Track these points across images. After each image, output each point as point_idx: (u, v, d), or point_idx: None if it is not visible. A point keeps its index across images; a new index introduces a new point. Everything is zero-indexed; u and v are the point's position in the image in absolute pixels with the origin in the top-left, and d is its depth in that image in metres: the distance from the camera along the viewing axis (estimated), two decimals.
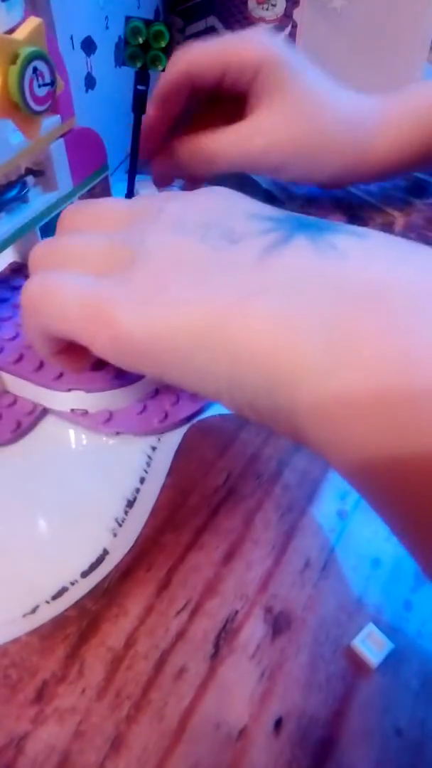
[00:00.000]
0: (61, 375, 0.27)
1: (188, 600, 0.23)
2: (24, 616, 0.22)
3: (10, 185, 0.28)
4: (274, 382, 0.15)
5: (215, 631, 0.22)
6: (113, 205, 0.21)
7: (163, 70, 0.29)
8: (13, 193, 0.28)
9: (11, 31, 0.20)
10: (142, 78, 0.29)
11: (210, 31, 0.52)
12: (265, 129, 0.30)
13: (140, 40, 0.28)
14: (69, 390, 0.27)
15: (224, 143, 0.30)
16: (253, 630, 0.22)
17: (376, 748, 0.20)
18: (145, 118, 0.31)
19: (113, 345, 0.17)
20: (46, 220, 0.29)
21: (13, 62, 0.20)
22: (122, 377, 0.27)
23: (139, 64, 0.28)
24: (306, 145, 0.32)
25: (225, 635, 0.22)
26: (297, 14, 0.50)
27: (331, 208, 0.42)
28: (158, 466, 0.27)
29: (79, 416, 0.28)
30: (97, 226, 0.20)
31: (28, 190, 0.29)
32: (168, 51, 0.28)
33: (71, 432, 0.28)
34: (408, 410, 0.13)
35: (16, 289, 0.31)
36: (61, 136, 0.29)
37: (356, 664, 0.21)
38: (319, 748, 0.20)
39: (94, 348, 0.18)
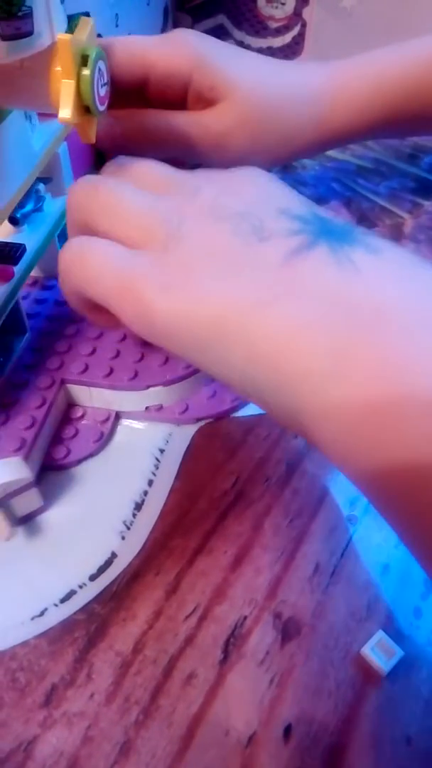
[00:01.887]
0: (134, 375, 0.27)
1: (197, 604, 0.23)
2: (32, 618, 0.22)
3: (26, 197, 0.28)
4: (281, 382, 0.16)
5: (224, 636, 0.22)
6: (155, 169, 0.21)
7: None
8: (32, 203, 0.28)
9: (68, 30, 0.20)
10: None
11: (219, 29, 0.52)
12: (213, 130, 0.28)
13: None
14: (147, 387, 0.27)
15: (180, 126, 0.28)
16: (262, 636, 0.22)
17: (385, 755, 0.19)
18: None
19: (140, 320, 0.18)
20: (62, 227, 0.29)
21: (84, 64, 0.19)
22: (191, 366, 0.27)
23: None
24: (260, 138, 0.30)
25: (234, 641, 0.22)
26: (307, 13, 0.50)
27: (339, 209, 0.42)
28: (166, 468, 0.27)
29: (154, 412, 0.28)
30: (139, 184, 0.21)
31: (44, 199, 0.28)
32: None
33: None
34: (395, 418, 0.14)
35: (42, 301, 0.31)
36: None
37: (366, 671, 0.21)
38: (328, 756, 0.20)
39: (123, 318, 0.19)
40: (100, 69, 0.21)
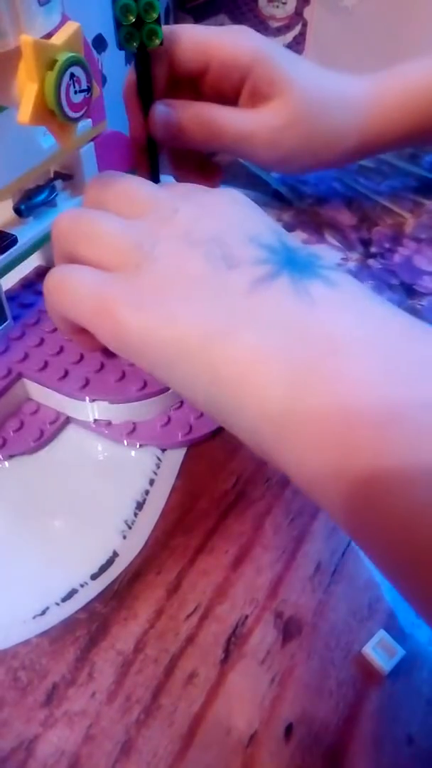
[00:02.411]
0: (85, 385, 0.27)
1: (198, 604, 0.23)
2: (34, 617, 0.22)
3: (39, 189, 0.28)
4: (242, 406, 0.17)
5: (225, 635, 0.22)
6: (136, 190, 0.22)
7: (161, 44, 0.27)
8: (42, 197, 0.28)
9: (49, 35, 0.20)
10: (142, 58, 0.28)
11: None
12: (269, 125, 0.29)
13: (132, 19, 0.26)
14: (93, 400, 0.27)
15: (236, 120, 0.29)
16: (264, 635, 0.22)
17: (386, 755, 0.19)
18: (127, 84, 0.30)
19: (115, 339, 0.19)
20: None
21: (50, 68, 0.19)
22: (146, 389, 0.27)
23: (136, 44, 0.27)
24: (310, 138, 0.32)
25: (235, 640, 0.22)
26: (308, 13, 0.50)
27: (340, 209, 0.42)
28: (167, 468, 0.27)
29: (102, 427, 0.28)
30: (117, 207, 0.22)
31: (56, 195, 0.28)
32: (159, 22, 0.27)
33: (83, 438, 0.28)
34: (346, 434, 0.15)
35: (41, 294, 0.31)
36: (92, 139, 0.28)
37: (367, 670, 0.21)
38: (330, 755, 0.20)
39: (100, 338, 0.20)
40: (73, 74, 0.20)
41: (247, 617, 0.22)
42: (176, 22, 0.51)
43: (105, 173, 0.23)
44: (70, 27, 0.21)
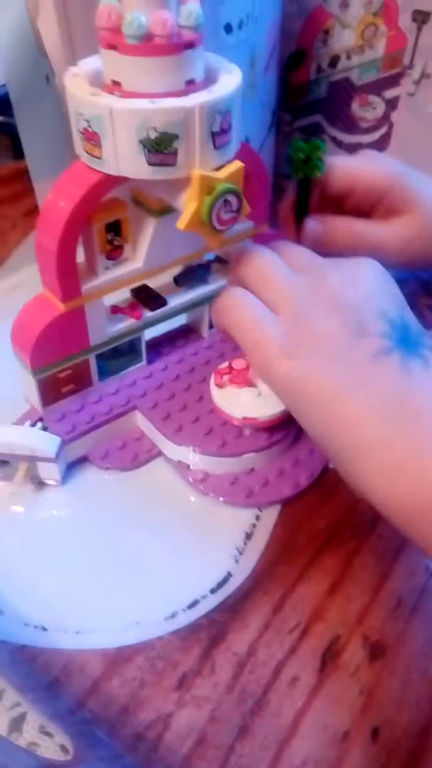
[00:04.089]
0: (179, 430, 0.32)
1: (298, 622, 0.27)
2: (165, 619, 0.28)
3: (198, 267, 0.35)
4: (347, 452, 0.24)
5: (321, 650, 0.27)
6: (302, 252, 0.29)
7: (320, 176, 0.35)
8: (198, 274, 0.34)
9: (221, 167, 0.27)
10: (304, 185, 0.35)
11: (315, 126, 0.59)
12: (400, 236, 0.35)
13: (302, 156, 0.34)
14: (180, 444, 0.32)
15: (373, 232, 0.35)
16: (353, 653, 0.26)
17: None
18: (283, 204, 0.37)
19: (263, 371, 0.27)
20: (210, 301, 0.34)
21: (209, 193, 0.26)
22: (223, 448, 0.32)
23: (301, 175, 0.35)
24: None
25: (330, 654, 0.26)
26: (394, 116, 0.57)
27: (419, 292, 0.47)
28: (270, 507, 0.32)
29: (182, 468, 0.33)
30: (287, 258, 0.29)
31: (210, 274, 0.35)
32: (323, 160, 0.34)
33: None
34: (423, 477, 0.22)
35: (178, 348, 0.37)
36: (251, 236, 0.34)
37: None
38: (409, 759, 0.24)
39: (250, 360, 0.27)
40: (226, 200, 0.27)
41: (339, 637, 0.27)
42: (278, 119, 0.59)
43: (281, 241, 0.30)
44: (235, 165, 0.27)
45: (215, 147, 0.27)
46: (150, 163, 0.25)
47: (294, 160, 0.34)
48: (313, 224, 0.36)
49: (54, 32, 0.39)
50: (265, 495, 0.32)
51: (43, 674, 0.26)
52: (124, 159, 0.25)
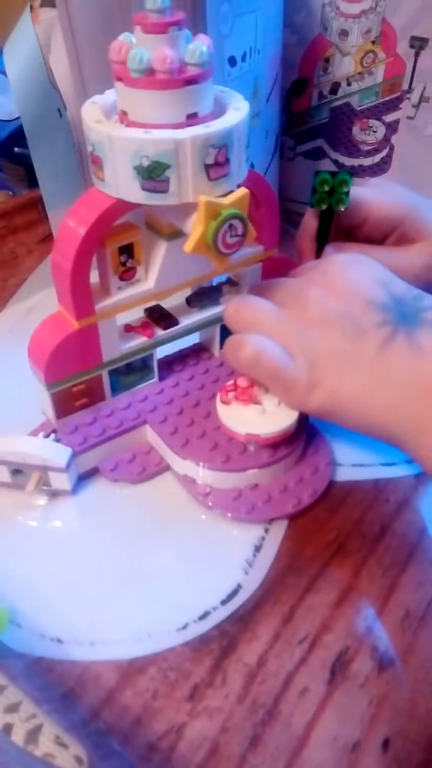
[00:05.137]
0: (185, 444, 0.33)
1: (308, 633, 0.28)
2: (177, 630, 0.28)
3: (209, 288, 0.36)
4: (393, 440, 0.27)
5: (331, 660, 0.27)
6: (282, 285, 0.32)
7: (344, 210, 0.35)
8: (209, 295, 0.36)
9: (228, 193, 0.28)
10: (327, 217, 0.36)
11: (318, 150, 0.61)
12: (413, 264, 0.36)
13: (326, 188, 0.35)
14: (185, 459, 0.33)
15: (387, 260, 0.36)
16: (362, 664, 0.27)
17: None
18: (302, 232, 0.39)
19: (297, 407, 0.30)
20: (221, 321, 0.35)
21: (215, 218, 0.27)
22: (230, 463, 0.32)
23: (324, 207, 0.36)
24: None
25: (339, 665, 0.27)
26: (395, 139, 0.59)
27: None
28: (278, 521, 0.33)
29: (188, 482, 0.33)
30: (273, 295, 0.31)
31: (222, 296, 0.36)
32: (348, 193, 0.35)
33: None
34: None
35: (190, 365, 0.38)
36: (261, 261, 0.36)
37: None
38: None
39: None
40: (231, 224, 0.28)
41: (348, 648, 0.27)
42: (281, 144, 0.61)
43: (267, 282, 0.33)
44: (241, 191, 0.28)
45: (209, 179, 0.27)
46: (144, 189, 0.27)
47: (318, 191, 0.35)
48: (331, 252, 0.37)
49: (65, 68, 0.41)
50: (267, 510, 0.32)
51: (59, 685, 0.26)
52: (121, 183, 0.27)
